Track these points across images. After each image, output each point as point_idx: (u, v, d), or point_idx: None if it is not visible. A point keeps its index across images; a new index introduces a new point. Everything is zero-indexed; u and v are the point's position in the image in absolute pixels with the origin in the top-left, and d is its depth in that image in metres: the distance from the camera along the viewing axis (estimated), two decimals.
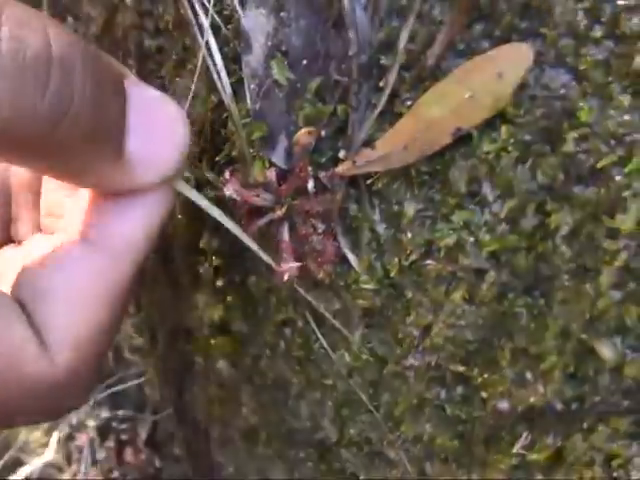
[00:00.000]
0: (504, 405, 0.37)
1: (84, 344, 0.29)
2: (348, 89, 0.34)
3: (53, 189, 0.39)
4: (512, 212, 0.33)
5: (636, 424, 0.34)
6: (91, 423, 0.99)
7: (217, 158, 0.40)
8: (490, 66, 0.31)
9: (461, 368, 0.37)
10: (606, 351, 0.34)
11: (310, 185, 0.35)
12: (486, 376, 0.37)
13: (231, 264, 0.44)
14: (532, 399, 0.36)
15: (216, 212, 0.33)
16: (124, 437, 0.98)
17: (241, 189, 0.36)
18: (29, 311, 0.29)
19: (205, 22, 0.37)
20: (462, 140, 0.33)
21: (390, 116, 0.34)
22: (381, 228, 0.37)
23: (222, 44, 0.37)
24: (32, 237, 0.39)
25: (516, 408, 0.36)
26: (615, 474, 0.35)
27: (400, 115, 0.34)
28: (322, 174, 0.35)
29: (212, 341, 0.49)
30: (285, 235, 0.37)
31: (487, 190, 0.34)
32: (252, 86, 0.36)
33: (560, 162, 0.32)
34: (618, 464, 0.35)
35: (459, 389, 0.38)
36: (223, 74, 0.37)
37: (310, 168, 0.35)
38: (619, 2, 0.29)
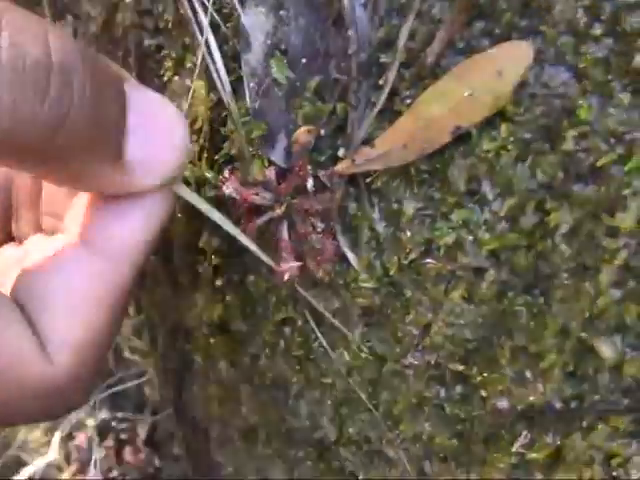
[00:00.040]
0: (503, 404, 0.37)
1: (84, 346, 0.29)
2: (347, 87, 0.34)
3: (54, 189, 0.39)
4: (512, 210, 0.33)
5: (636, 423, 0.34)
6: (90, 422, 0.99)
7: (216, 157, 0.40)
8: (490, 64, 0.31)
9: (460, 367, 0.37)
10: (606, 350, 0.34)
11: (309, 184, 0.35)
12: (485, 375, 0.37)
13: (230, 263, 0.44)
14: (531, 398, 0.36)
15: (216, 215, 0.33)
16: (123, 436, 0.98)
17: (240, 188, 0.36)
18: (29, 313, 0.29)
19: (204, 20, 0.37)
20: (461, 138, 0.33)
21: (389, 114, 0.34)
22: (380, 227, 0.37)
23: (221, 42, 0.37)
24: (33, 237, 0.39)
25: (515, 407, 0.36)
26: (615, 473, 0.35)
27: (399, 113, 0.34)
28: (321, 173, 0.35)
29: (211, 340, 0.49)
30: (284, 234, 0.37)
31: (487, 188, 0.34)
32: (251, 84, 0.36)
33: (560, 160, 0.32)
34: (618, 463, 0.35)
35: (458, 388, 0.38)
36: (222, 73, 0.37)
37: (309, 167, 0.35)
38: None
